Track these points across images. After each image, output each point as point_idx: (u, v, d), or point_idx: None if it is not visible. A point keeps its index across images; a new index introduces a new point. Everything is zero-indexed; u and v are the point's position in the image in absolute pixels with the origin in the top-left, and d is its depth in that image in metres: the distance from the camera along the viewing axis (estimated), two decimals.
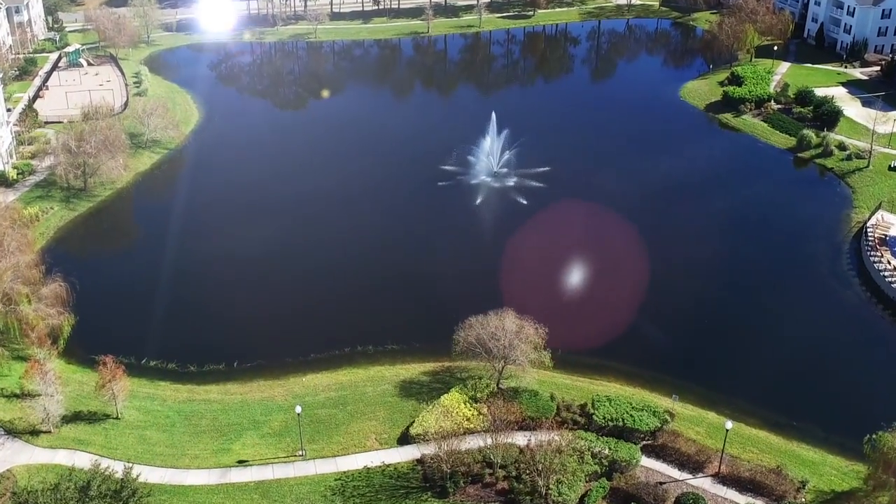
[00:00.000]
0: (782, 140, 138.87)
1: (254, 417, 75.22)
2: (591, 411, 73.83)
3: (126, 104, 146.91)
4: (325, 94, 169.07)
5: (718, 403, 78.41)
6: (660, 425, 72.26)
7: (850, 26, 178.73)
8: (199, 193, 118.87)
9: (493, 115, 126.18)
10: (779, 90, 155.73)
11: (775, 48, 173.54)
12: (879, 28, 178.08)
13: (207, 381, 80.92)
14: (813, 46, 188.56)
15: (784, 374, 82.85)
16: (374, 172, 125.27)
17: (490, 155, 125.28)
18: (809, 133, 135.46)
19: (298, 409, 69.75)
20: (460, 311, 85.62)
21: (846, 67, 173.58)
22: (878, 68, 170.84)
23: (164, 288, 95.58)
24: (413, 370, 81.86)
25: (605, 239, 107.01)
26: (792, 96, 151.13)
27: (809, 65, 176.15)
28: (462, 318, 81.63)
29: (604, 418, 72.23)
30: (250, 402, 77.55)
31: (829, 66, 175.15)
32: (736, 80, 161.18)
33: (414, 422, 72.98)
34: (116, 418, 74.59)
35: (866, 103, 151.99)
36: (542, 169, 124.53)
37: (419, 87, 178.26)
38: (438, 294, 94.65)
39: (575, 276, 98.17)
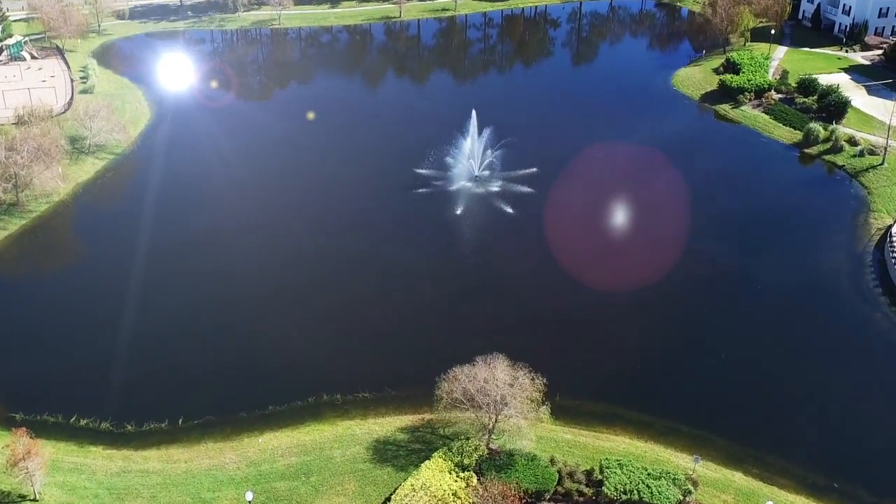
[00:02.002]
0: (786, 134, 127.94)
1: (199, 494, 62.98)
2: (600, 477, 62.70)
3: (70, 103, 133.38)
4: (289, 86, 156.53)
5: (744, 460, 67.33)
6: (682, 497, 61.11)
7: (850, 7, 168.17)
8: (146, 207, 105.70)
9: (474, 113, 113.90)
10: (778, 78, 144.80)
11: (772, 31, 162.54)
12: (881, 9, 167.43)
13: (147, 444, 68.43)
14: (809, 29, 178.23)
15: (813, 417, 72.04)
16: (341, 178, 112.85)
17: (471, 158, 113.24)
18: (816, 126, 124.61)
19: (249, 495, 57.95)
20: (440, 349, 76.09)
21: (847, 52, 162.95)
22: (881, 52, 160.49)
23: (104, 325, 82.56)
24: (388, 426, 69.98)
25: (598, 253, 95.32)
26: (794, 85, 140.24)
27: (807, 49, 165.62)
28: (442, 355, 71.51)
29: (616, 490, 60.96)
30: (196, 472, 65.26)
31: (827, 51, 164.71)
32: (732, 67, 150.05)
33: (390, 500, 61.21)
34: (34, 500, 62.42)
35: (872, 92, 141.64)
36: (528, 171, 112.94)
37: (391, 76, 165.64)
38: (415, 328, 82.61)
39: (567, 302, 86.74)
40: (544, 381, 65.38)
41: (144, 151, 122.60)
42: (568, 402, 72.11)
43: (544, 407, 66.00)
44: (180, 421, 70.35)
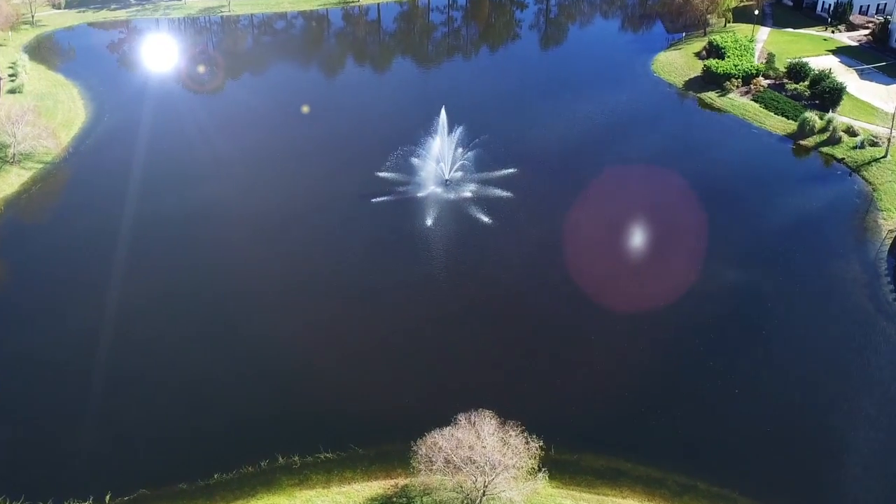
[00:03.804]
0: (779, 124, 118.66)
1: None
2: None
3: None
4: (240, 78, 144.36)
5: None
6: None
7: None
8: (75, 224, 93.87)
9: (443, 110, 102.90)
10: (765, 62, 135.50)
11: (756, 12, 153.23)
12: None
13: None
14: (790, 8, 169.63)
15: (849, 467, 62.48)
16: (290, 185, 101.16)
17: (440, 160, 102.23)
18: (812, 116, 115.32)
19: None
20: (413, 394, 66.91)
21: (833, 32, 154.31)
22: (868, 32, 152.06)
23: (17, 374, 70.56)
24: (356, 495, 59.02)
25: (588, 270, 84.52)
26: (783, 70, 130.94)
27: (791, 30, 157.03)
28: (416, 401, 64.72)
29: None
30: None
31: (812, 31, 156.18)
32: (715, 50, 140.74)
33: None
34: None
35: (864, 76, 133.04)
36: (504, 172, 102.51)
37: (350, 65, 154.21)
38: (383, 370, 70.91)
39: (557, 332, 76.47)
40: (540, 443, 55.23)
41: (77, 159, 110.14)
42: (564, 457, 61.89)
43: (541, 474, 55.83)
44: (108, 497, 58.79)
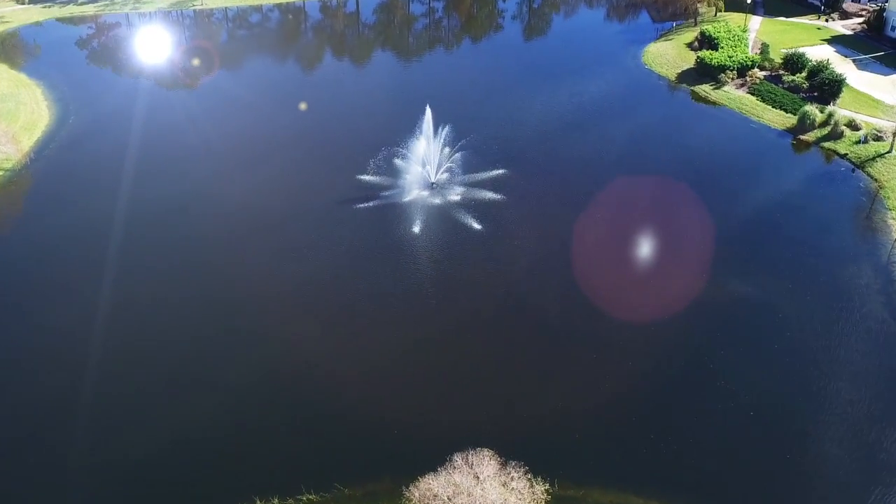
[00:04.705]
0: (778, 118, 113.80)
1: None
2: None
3: None
4: (215, 74, 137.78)
5: None
6: None
7: None
8: (37, 234, 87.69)
9: (428, 109, 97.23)
10: (759, 53, 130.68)
11: (748, 0, 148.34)
12: None
13: None
14: None
15: (879, 495, 57.73)
16: (266, 189, 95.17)
17: (426, 163, 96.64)
18: (813, 110, 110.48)
19: None
20: (400, 424, 60.95)
21: (827, 21, 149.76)
22: (862, 21, 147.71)
23: None
24: None
25: (583, 279, 79.10)
26: (778, 61, 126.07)
27: (783, 19, 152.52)
28: (404, 432, 59.02)
29: None
30: None
31: (805, 20, 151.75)
32: (708, 41, 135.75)
33: None
34: None
35: (862, 66, 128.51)
36: (494, 172, 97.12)
37: (328, 60, 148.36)
38: (368, 398, 64.91)
39: (554, 350, 71.11)
40: (546, 486, 49.97)
41: (40, 164, 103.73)
42: (568, 492, 56.41)
43: None
44: None
